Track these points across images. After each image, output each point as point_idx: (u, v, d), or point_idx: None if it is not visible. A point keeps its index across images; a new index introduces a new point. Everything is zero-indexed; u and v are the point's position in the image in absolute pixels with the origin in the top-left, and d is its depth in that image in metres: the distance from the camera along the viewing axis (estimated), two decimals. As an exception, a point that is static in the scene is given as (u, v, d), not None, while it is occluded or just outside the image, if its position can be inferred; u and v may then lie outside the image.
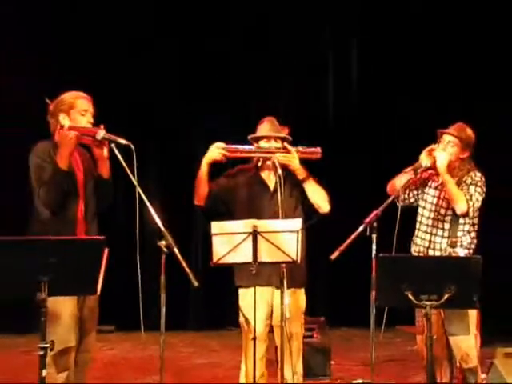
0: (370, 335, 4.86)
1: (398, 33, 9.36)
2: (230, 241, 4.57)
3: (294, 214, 4.88)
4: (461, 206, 5.10)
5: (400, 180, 5.23)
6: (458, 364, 5.17)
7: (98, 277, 3.99)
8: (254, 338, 4.75)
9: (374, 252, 4.76)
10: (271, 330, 5.05)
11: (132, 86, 9.15)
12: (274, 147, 5.04)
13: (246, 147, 5.08)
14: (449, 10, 9.13)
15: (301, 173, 5.02)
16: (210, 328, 9.22)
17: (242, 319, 5.04)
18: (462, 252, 5.10)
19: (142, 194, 4.38)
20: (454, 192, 5.11)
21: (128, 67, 9.16)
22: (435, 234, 5.21)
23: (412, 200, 5.35)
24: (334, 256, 4.84)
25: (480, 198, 5.15)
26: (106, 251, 3.98)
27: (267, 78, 9.41)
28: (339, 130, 9.53)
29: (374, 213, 4.85)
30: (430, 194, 5.29)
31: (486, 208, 5.24)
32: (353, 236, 4.83)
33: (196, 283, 4.32)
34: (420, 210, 5.32)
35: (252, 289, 4.81)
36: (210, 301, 9.03)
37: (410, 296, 4.42)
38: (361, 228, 4.82)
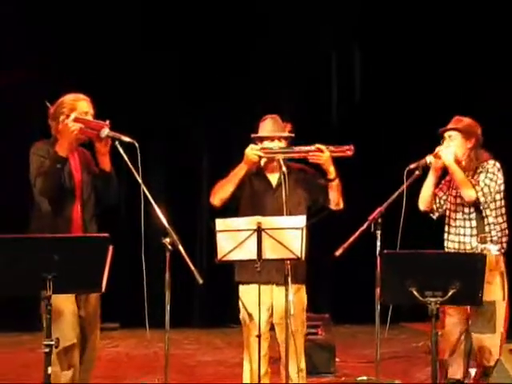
0: (375, 332, 4.86)
1: (401, 32, 9.36)
2: (234, 238, 4.58)
3: (297, 211, 4.87)
4: (468, 193, 5.07)
5: (424, 195, 5.24)
6: (478, 361, 5.11)
7: (103, 274, 3.98)
8: (259, 336, 4.75)
9: (378, 248, 4.77)
10: (272, 328, 5.05)
11: (134, 84, 9.15)
12: (306, 148, 5.00)
13: (279, 147, 5.04)
14: (451, 10, 9.11)
15: (331, 172, 4.99)
16: (214, 325, 9.22)
17: (243, 316, 5.03)
18: (493, 248, 5.05)
19: (147, 192, 4.38)
20: (460, 180, 5.08)
21: (129, 67, 9.16)
22: (464, 235, 5.16)
23: (444, 206, 5.30)
24: (338, 253, 4.84)
25: (491, 184, 5.09)
26: (111, 249, 3.97)
27: (269, 79, 9.41)
28: (342, 129, 9.53)
29: (378, 209, 4.86)
30: (453, 195, 5.27)
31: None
32: (357, 233, 4.84)
33: (201, 281, 4.33)
34: (447, 213, 5.28)
35: (252, 285, 4.83)
36: (215, 298, 9.03)
37: (415, 292, 4.42)
38: (365, 225, 4.83)
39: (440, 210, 5.32)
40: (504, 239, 5.16)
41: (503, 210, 5.18)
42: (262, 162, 5.08)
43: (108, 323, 8.33)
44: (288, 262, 4.68)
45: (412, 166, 5.08)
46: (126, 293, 8.25)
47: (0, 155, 8.61)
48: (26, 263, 3.84)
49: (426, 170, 5.18)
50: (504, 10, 8.92)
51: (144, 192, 4.39)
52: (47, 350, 3.86)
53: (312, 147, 4.98)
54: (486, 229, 5.12)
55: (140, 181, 4.39)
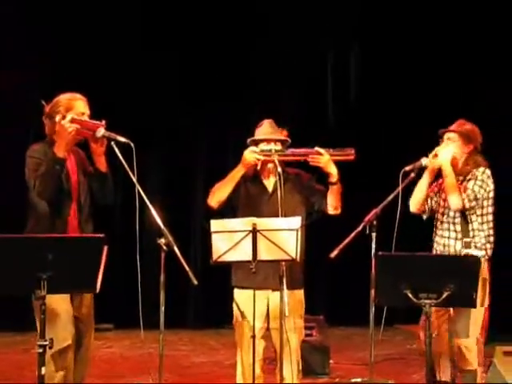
0: (370, 334, 4.86)
1: (399, 32, 9.34)
2: (229, 239, 4.57)
3: (294, 213, 4.86)
4: (454, 200, 5.11)
5: (416, 196, 5.26)
6: (458, 364, 5.17)
7: (98, 274, 3.99)
8: (254, 336, 4.75)
9: (373, 250, 4.77)
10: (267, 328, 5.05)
11: (131, 84, 9.14)
12: (303, 150, 4.99)
13: (278, 150, 5.03)
14: (450, 9, 9.12)
15: (334, 175, 4.97)
16: (208, 326, 9.22)
17: (236, 317, 5.03)
18: (476, 253, 5.08)
19: (142, 192, 4.37)
20: (450, 185, 5.11)
21: (129, 67, 9.15)
22: (448, 237, 5.22)
23: (435, 207, 5.35)
24: (333, 254, 4.84)
25: (480, 191, 5.12)
26: (106, 249, 3.97)
27: (268, 79, 9.41)
28: (338, 129, 9.53)
29: (374, 211, 4.86)
30: (442, 198, 5.29)
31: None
32: (352, 234, 4.83)
33: (195, 281, 4.32)
34: (436, 215, 5.33)
35: (247, 290, 4.83)
36: (209, 299, 9.03)
37: (410, 295, 4.43)
38: (360, 227, 4.83)
39: (430, 211, 5.35)
40: (488, 246, 5.18)
41: (490, 217, 5.20)
42: (259, 166, 5.07)
43: (102, 324, 8.36)
44: (283, 263, 4.68)
45: (407, 168, 5.09)
46: (121, 294, 8.25)
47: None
48: (21, 263, 3.84)
49: (421, 172, 5.20)
50: (504, 9, 8.92)
51: (139, 192, 4.39)
52: (41, 350, 3.86)
53: (311, 150, 4.98)
54: (470, 234, 5.16)
55: (135, 181, 4.39)
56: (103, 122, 4.55)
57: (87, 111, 4.65)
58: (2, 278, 3.86)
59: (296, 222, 4.63)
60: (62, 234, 4.34)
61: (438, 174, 5.28)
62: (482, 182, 5.15)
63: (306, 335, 6.36)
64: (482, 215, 5.19)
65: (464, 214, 5.17)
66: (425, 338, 4.50)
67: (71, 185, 4.59)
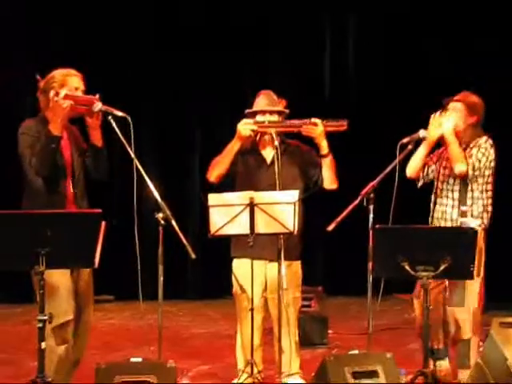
0: (367, 305, 4.89)
1: (396, 14, 9.28)
2: (227, 212, 4.59)
3: (292, 187, 4.88)
4: (459, 167, 5.12)
5: (412, 164, 5.29)
6: (452, 334, 5.23)
7: (96, 250, 4.02)
8: (252, 309, 4.79)
9: (370, 223, 4.79)
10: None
11: (130, 63, 9.12)
12: (300, 121, 4.98)
13: (273, 120, 5.03)
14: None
15: (324, 147, 5.00)
16: (207, 297, 9.25)
17: (235, 290, 5.07)
18: (472, 222, 5.10)
19: (140, 167, 4.38)
20: (454, 152, 5.12)
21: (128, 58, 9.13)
22: (446, 205, 5.25)
23: (431, 176, 5.39)
24: (330, 227, 4.87)
25: (482, 159, 5.15)
26: (103, 224, 3.99)
27: (263, 47, 9.36)
28: (335, 102, 9.48)
29: (371, 184, 4.88)
30: (442, 166, 5.32)
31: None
32: (349, 207, 4.86)
33: (193, 255, 4.36)
34: (435, 184, 5.36)
35: (245, 260, 4.86)
36: (209, 270, 9.05)
37: (407, 267, 4.46)
38: (358, 199, 4.85)
39: (426, 178, 5.37)
40: (485, 215, 5.21)
41: (489, 187, 5.23)
42: (257, 138, 5.08)
43: (103, 295, 8.41)
44: (281, 236, 4.70)
45: (405, 140, 5.10)
46: (121, 265, 8.26)
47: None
48: (20, 239, 3.88)
49: (418, 143, 5.20)
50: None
51: (137, 167, 4.39)
52: (40, 325, 3.89)
53: (306, 120, 4.98)
54: (468, 202, 5.19)
55: (133, 155, 4.39)
56: (97, 96, 4.54)
57: (82, 86, 4.64)
58: (1, 253, 3.89)
59: (293, 195, 4.64)
60: (61, 210, 4.34)
61: (436, 146, 5.30)
62: (485, 149, 5.18)
63: (305, 306, 6.45)
64: (482, 184, 5.21)
65: (465, 181, 5.19)
66: (420, 308, 4.55)
67: (65, 161, 4.59)
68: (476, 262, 4.69)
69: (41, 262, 3.89)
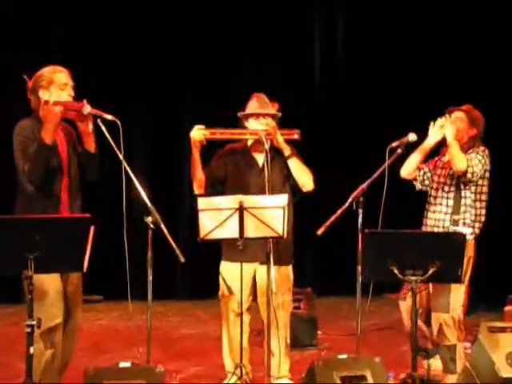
0: (357, 307, 4.90)
1: (386, 6, 9.28)
2: (216, 217, 4.59)
3: (282, 191, 4.90)
4: (459, 165, 5.16)
5: (407, 166, 5.35)
6: (434, 336, 5.27)
7: (85, 254, 4.02)
8: (241, 313, 4.79)
9: (359, 227, 4.80)
10: (255, 299, 5.09)
11: (125, 62, 9.10)
12: (251, 129, 5.02)
13: (220, 129, 5.06)
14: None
15: (286, 149, 5.03)
16: (197, 297, 9.24)
17: (222, 292, 5.08)
18: (464, 230, 5.13)
19: (129, 170, 4.38)
20: (455, 153, 5.18)
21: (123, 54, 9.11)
22: (439, 212, 5.30)
23: (427, 183, 5.45)
24: (320, 231, 4.89)
25: (479, 164, 5.20)
26: (92, 229, 3.99)
27: (253, 40, 9.36)
28: (326, 102, 9.50)
29: (360, 188, 4.90)
30: (437, 173, 5.37)
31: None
32: (339, 211, 4.88)
33: (182, 259, 4.35)
34: (429, 191, 5.42)
35: (234, 263, 4.85)
36: (198, 270, 9.04)
37: (396, 271, 4.47)
38: (347, 203, 4.86)
39: (422, 184, 5.41)
40: (477, 224, 5.27)
41: (483, 197, 5.28)
42: (249, 141, 5.10)
43: (92, 295, 8.40)
44: (270, 240, 4.70)
45: (394, 143, 5.11)
46: (110, 265, 8.24)
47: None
48: (8, 244, 3.86)
49: (408, 147, 5.21)
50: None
51: (126, 170, 4.39)
52: (29, 330, 3.88)
53: (260, 130, 4.99)
54: (462, 209, 5.23)
55: (122, 159, 4.39)
56: (84, 101, 4.54)
57: (70, 82, 4.65)
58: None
59: (283, 199, 4.65)
60: (49, 215, 4.32)
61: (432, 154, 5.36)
62: (482, 157, 5.25)
63: (294, 308, 6.44)
64: (475, 193, 5.28)
65: (459, 189, 5.24)
66: (407, 310, 4.57)
67: (61, 160, 4.59)
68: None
69: (29, 266, 3.88)
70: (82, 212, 4.55)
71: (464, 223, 5.21)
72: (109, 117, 4.50)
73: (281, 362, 5.01)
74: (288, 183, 5.09)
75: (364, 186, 4.89)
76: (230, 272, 5.01)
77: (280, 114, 5.14)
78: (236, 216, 4.58)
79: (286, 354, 5.06)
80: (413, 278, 4.49)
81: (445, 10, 9.01)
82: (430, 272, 4.46)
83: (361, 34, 9.46)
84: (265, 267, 4.78)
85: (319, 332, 6.96)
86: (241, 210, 4.57)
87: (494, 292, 7.84)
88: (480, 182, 5.26)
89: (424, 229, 5.35)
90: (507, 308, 6.69)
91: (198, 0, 9.31)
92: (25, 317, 3.93)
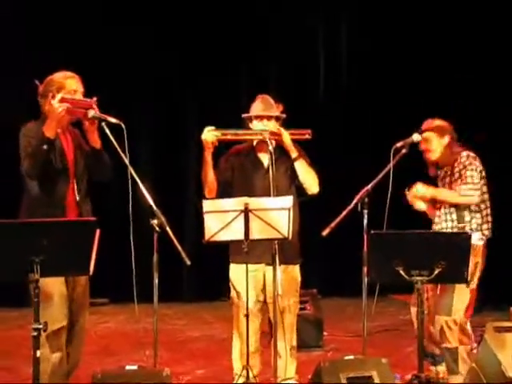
0: (362, 308, 4.90)
1: (389, 8, 9.28)
2: (222, 219, 4.59)
3: (287, 192, 4.89)
4: (457, 202, 5.23)
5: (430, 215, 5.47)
6: (437, 338, 5.27)
7: (91, 257, 4.01)
8: (247, 315, 4.78)
9: (365, 227, 4.79)
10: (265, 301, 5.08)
11: (129, 62, 9.12)
12: (263, 130, 4.99)
13: (226, 131, 5.02)
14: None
15: (293, 151, 5.02)
16: (204, 299, 9.25)
17: (232, 295, 5.07)
18: (472, 237, 5.12)
19: (134, 173, 4.38)
20: (446, 199, 5.27)
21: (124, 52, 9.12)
22: (445, 220, 5.32)
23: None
24: (325, 233, 4.87)
25: (474, 174, 5.22)
26: (98, 232, 3.99)
27: (258, 53, 9.37)
28: (330, 103, 9.50)
29: (365, 189, 4.88)
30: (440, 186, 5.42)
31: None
32: (344, 213, 4.87)
33: (188, 262, 4.34)
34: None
35: (243, 265, 4.84)
36: (205, 272, 9.04)
37: (402, 272, 4.46)
38: (352, 204, 4.85)
39: None
40: (485, 226, 5.27)
41: (485, 197, 5.29)
42: (255, 142, 5.09)
43: (98, 298, 8.40)
44: (276, 241, 4.70)
45: (398, 144, 5.11)
46: (116, 268, 8.25)
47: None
48: (14, 247, 3.85)
49: (412, 147, 5.21)
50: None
51: (131, 173, 4.39)
52: (35, 333, 3.88)
53: (269, 130, 4.98)
54: (467, 218, 5.21)
55: (127, 162, 4.39)
56: (94, 99, 4.55)
57: (80, 88, 4.66)
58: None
59: (288, 200, 4.65)
60: (55, 219, 4.33)
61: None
62: (470, 164, 5.26)
63: (300, 309, 6.43)
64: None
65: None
66: (416, 315, 4.58)
67: (68, 164, 4.61)
68: (470, 272, 4.72)
69: (35, 270, 3.87)
70: (91, 216, 4.55)
71: (471, 228, 5.21)
72: (113, 120, 4.51)
73: (287, 364, 5.00)
74: (294, 184, 5.07)
75: (369, 186, 4.88)
76: (238, 275, 5.00)
77: (284, 116, 5.13)
78: (241, 218, 4.57)
79: (292, 356, 5.05)
80: (419, 278, 4.47)
81: (445, 10, 9.01)
82: (436, 272, 4.44)
83: (364, 36, 9.47)
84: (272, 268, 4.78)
85: (325, 333, 6.95)
86: (246, 211, 4.57)
87: (500, 292, 7.86)
88: (479, 186, 5.26)
89: None
90: (513, 307, 6.67)
91: (199, 0, 9.31)
92: (30, 320, 3.93)
